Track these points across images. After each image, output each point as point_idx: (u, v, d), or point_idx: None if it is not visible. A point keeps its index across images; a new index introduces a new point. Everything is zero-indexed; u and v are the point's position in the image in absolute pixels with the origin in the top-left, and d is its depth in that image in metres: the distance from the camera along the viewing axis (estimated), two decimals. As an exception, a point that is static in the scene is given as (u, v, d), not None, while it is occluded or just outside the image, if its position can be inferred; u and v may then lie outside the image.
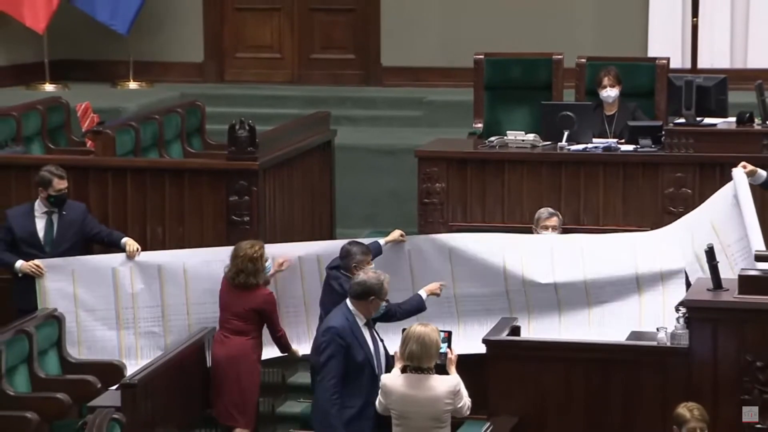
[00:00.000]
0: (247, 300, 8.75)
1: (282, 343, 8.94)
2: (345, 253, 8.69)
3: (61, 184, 9.34)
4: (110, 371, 8.89)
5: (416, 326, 7.44)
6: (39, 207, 9.38)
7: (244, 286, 8.74)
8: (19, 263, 9.25)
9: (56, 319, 9.13)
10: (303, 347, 9.12)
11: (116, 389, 8.23)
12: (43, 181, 9.33)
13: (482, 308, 9.14)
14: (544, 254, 9.15)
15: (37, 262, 9.22)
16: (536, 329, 9.04)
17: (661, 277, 9.08)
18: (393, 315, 8.50)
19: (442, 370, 7.60)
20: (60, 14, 13.41)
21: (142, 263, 9.22)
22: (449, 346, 7.77)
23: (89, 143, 10.86)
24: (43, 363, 8.94)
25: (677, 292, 8.97)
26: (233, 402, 8.79)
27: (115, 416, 7.71)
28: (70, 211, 9.39)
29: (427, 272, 9.12)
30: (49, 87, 13.34)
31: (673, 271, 9.06)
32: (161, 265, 9.22)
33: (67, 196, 9.39)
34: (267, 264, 8.84)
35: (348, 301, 7.92)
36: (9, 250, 9.34)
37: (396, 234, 9.21)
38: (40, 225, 9.37)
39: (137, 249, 9.25)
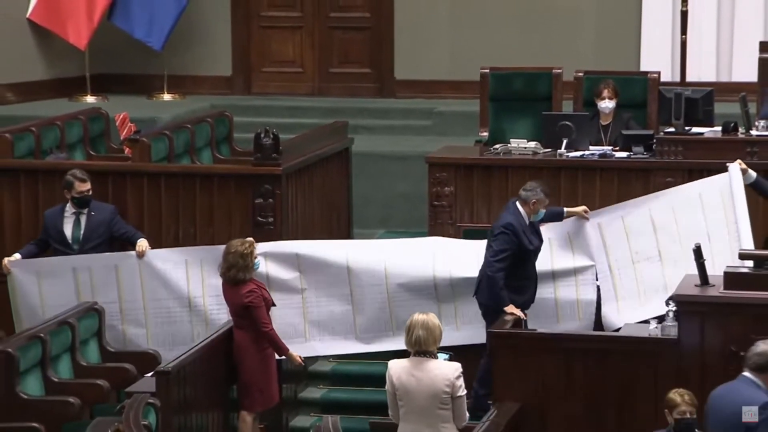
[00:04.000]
0: (237, 296, 8.62)
1: (273, 340, 8.62)
2: (530, 186, 8.77)
3: (82, 187, 9.36)
4: (146, 360, 8.90)
5: (417, 315, 7.36)
6: (69, 208, 9.43)
7: (234, 281, 8.63)
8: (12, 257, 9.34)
9: (97, 312, 9.14)
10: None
11: (151, 376, 8.22)
12: (67, 183, 9.39)
13: (411, 296, 9.11)
14: (469, 254, 9.10)
15: (5, 262, 9.26)
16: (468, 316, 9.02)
17: (575, 272, 9.06)
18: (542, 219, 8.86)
19: None
20: (100, 32, 13.42)
21: (97, 265, 9.20)
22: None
23: (127, 150, 10.85)
24: (84, 352, 8.95)
25: (588, 287, 8.99)
26: (239, 388, 8.74)
27: (151, 401, 7.72)
28: (98, 212, 9.41)
29: (363, 272, 9.12)
30: (90, 99, 13.34)
31: (584, 267, 9.05)
32: (117, 264, 9.20)
33: (91, 197, 9.39)
34: (256, 261, 8.71)
35: None
36: (41, 246, 9.42)
37: (580, 209, 9.17)
38: (68, 224, 9.40)
39: (143, 250, 9.22)
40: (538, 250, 8.82)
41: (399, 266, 9.15)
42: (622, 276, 9.01)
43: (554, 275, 9.07)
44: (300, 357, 8.77)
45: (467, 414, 7.40)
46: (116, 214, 9.45)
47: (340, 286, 9.16)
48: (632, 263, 8.99)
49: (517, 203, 8.77)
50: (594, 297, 9.06)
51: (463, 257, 9.13)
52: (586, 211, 9.18)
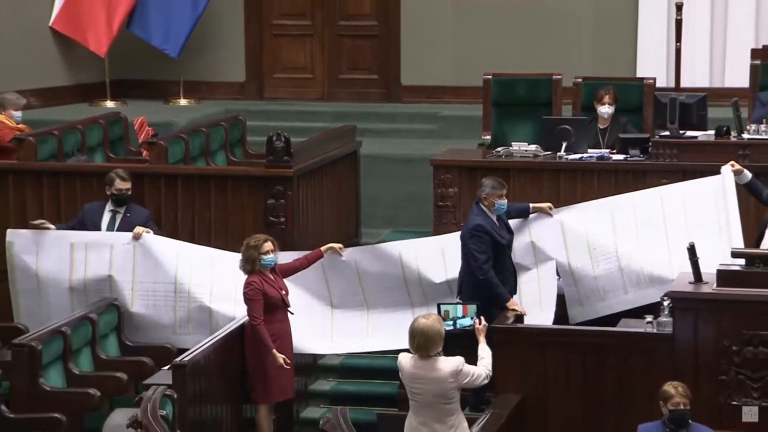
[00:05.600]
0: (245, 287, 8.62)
1: (259, 335, 8.47)
2: (480, 184, 8.76)
3: (121, 185, 9.39)
4: (163, 353, 8.92)
5: (420, 320, 7.33)
6: (109, 205, 9.47)
7: (243, 271, 8.61)
8: None
9: (116, 307, 9.15)
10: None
11: (168, 369, 8.23)
12: (108, 180, 9.44)
13: (387, 299, 9.12)
14: (437, 255, 9.08)
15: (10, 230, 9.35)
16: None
17: (536, 266, 9.04)
18: (508, 213, 8.77)
19: (473, 337, 7.68)
20: (119, 39, 13.44)
21: (93, 243, 9.20)
22: (478, 316, 7.79)
23: (145, 153, 10.88)
24: (104, 346, 8.97)
25: (550, 281, 8.95)
26: (250, 378, 8.71)
27: (167, 393, 7.72)
28: (134, 214, 9.42)
29: (337, 278, 9.13)
30: (109, 103, 13.36)
31: (545, 260, 9.02)
32: (113, 244, 9.19)
33: (130, 197, 9.41)
34: (269, 257, 8.60)
35: None
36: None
37: (545, 205, 9.10)
38: (105, 220, 9.43)
39: (139, 233, 9.17)
40: (510, 243, 8.78)
41: (370, 274, 9.12)
42: (582, 273, 8.97)
43: (516, 269, 9.05)
44: (283, 359, 8.53)
45: (483, 373, 7.41)
46: (150, 219, 9.44)
47: (320, 292, 9.15)
48: (590, 261, 8.95)
49: (479, 204, 8.75)
50: (555, 290, 9.00)
51: (429, 259, 9.09)
52: (551, 208, 9.13)
